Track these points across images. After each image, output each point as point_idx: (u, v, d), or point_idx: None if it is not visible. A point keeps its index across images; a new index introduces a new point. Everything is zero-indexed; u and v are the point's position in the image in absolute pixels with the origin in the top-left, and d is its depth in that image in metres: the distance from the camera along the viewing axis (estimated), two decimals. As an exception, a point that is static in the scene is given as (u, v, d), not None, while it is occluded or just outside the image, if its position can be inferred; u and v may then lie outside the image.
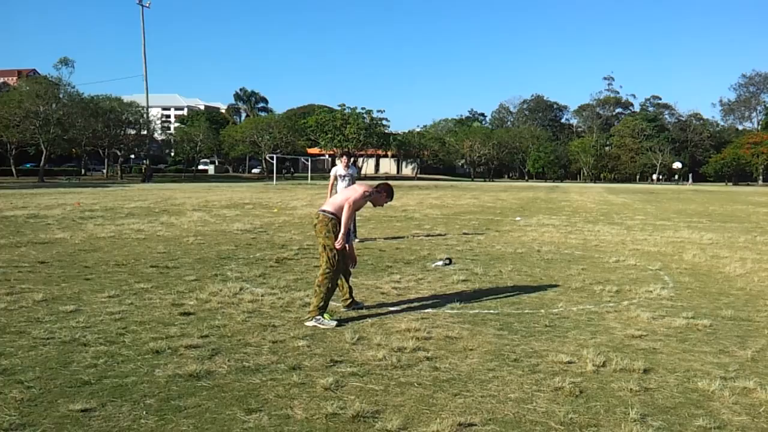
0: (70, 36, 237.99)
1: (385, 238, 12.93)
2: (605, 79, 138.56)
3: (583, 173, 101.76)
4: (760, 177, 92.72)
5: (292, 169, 79.18)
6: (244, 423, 3.64)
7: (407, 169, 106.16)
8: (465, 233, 14.13)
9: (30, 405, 3.84)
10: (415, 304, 6.80)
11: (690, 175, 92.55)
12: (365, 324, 5.89)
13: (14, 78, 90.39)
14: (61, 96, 55.81)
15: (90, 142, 61.30)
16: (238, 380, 4.32)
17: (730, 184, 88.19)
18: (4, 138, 53.52)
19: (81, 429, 3.53)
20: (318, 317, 5.79)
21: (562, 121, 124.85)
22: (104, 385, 4.21)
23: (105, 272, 8.43)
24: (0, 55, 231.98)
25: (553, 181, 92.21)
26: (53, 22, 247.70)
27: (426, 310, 6.48)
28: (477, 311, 6.48)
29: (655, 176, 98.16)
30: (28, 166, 64.21)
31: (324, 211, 6.07)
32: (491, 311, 6.49)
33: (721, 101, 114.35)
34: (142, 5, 61.78)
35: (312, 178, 68.62)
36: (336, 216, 6.00)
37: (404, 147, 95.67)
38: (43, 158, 55.59)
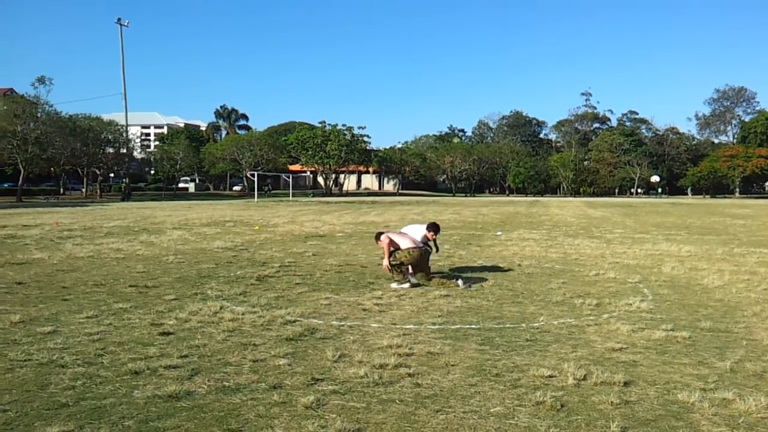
0: (48, 55, 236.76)
1: (366, 255, 12.89)
2: (583, 94, 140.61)
3: (563, 187, 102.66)
4: (737, 189, 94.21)
5: (269, 186, 78.84)
6: (224, 444, 3.60)
7: (389, 185, 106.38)
8: (446, 248, 14.17)
9: (7, 428, 3.77)
10: (397, 320, 6.79)
11: (659, 189, 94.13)
12: (347, 341, 5.87)
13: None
14: (39, 115, 55.35)
15: (69, 161, 60.70)
16: (218, 400, 4.28)
17: (708, 196, 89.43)
18: (-19, 158, 52.86)
19: (58, 453, 3.48)
20: None
21: (541, 136, 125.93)
22: (82, 407, 4.15)
23: (83, 292, 8.32)
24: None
25: (534, 196, 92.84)
26: (31, 41, 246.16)
27: (408, 326, 6.47)
28: (458, 326, 6.49)
29: (639, 190, 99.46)
30: (5, 185, 63.40)
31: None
32: (473, 326, 6.51)
33: (696, 115, 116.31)
34: (121, 24, 61.72)
35: (293, 195, 68.48)
36: None
37: (385, 163, 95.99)
38: (21, 177, 54.93)
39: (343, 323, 6.61)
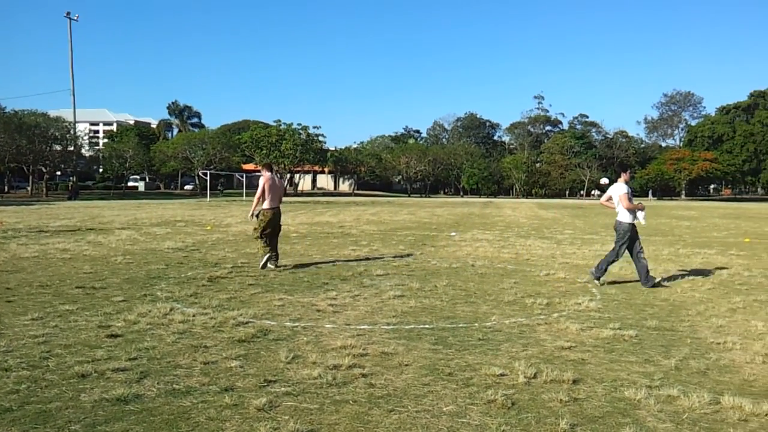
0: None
1: (321, 255, 12.84)
2: (536, 98, 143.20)
3: (516, 189, 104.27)
4: (683, 191, 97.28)
5: (222, 186, 77.82)
6: (174, 447, 3.54)
7: (344, 185, 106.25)
8: (401, 248, 14.23)
9: (-57, 436, 3.64)
10: (352, 320, 6.79)
11: (596, 192, 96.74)
12: (300, 342, 5.85)
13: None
14: (-19, 110, 53.28)
15: (13, 158, 58.65)
16: (167, 403, 4.20)
17: (654, 198, 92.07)
18: None
19: (-1, 460, 3.36)
20: None
21: (495, 138, 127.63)
22: (27, 411, 4.03)
23: (28, 294, 8.06)
24: None
25: (487, 197, 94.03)
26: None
27: (362, 327, 6.48)
28: (413, 326, 6.53)
29: (595, 192, 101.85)
30: (-57, 183, 60.83)
31: None
32: (426, 326, 6.55)
33: (645, 119, 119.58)
34: (70, 18, 60.02)
35: (247, 195, 67.70)
36: None
37: (341, 163, 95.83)
38: (-40, 175, 52.81)
39: (296, 324, 6.57)
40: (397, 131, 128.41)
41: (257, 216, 10.86)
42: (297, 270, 10.58)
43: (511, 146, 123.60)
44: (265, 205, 10.79)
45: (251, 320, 6.67)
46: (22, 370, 4.84)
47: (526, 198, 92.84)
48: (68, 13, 59.72)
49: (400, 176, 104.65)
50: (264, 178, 10.78)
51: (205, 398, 4.31)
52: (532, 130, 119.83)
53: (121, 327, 6.29)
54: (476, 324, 6.69)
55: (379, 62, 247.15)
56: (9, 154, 57.16)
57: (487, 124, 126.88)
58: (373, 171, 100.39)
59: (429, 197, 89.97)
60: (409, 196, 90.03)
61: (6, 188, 68.80)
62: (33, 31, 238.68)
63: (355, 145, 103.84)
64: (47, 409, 4.06)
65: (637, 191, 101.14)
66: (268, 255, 10.67)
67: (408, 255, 13.02)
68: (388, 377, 4.84)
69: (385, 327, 6.49)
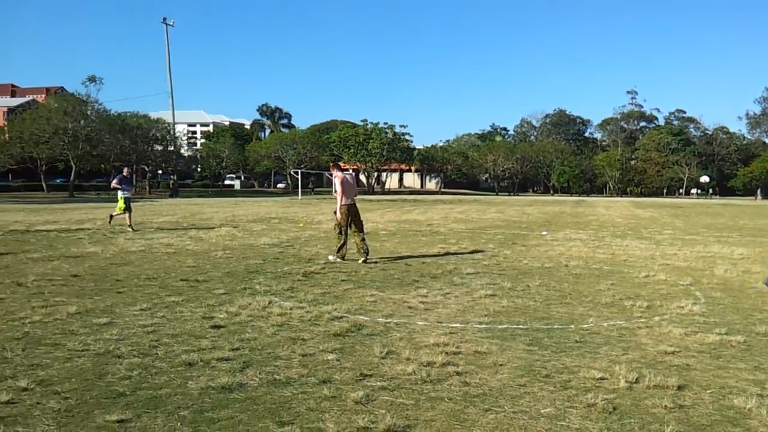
0: (97, 54, 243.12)
1: (413, 256, 12.90)
2: (629, 93, 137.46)
3: (609, 187, 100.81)
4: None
5: (311, 184, 79.52)
6: (277, 436, 3.67)
7: (431, 184, 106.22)
8: (491, 247, 14.08)
9: (67, 416, 3.91)
10: (443, 318, 6.79)
11: (709, 190, 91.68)
12: (393, 338, 5.90)
13: (43, 95, 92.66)
14: (88, 113, 56.94)
15: (118, 157, 62.35)
16: (269, 393, 4.36)
17: (761, 198, 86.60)
18: (35, 154, 54.76)
19: (117, 440, 3.59)
20: None
21: (586, 135, 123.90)
22: (139, 396, 4.27)
23: (136, 285, 8.56)
24: (29, 73, 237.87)
25: (579, 195, 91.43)
26: (81, 40, 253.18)
27: (454, 325, 6.47)
28: (506, 326, 6.45)
29: (694, 191, 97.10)
30: (58, 181, 65.42)
31: None
32: (520, 326, 6.46)
33: (747, 114, 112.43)
34: (166, 24, 63.02)
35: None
36: None
37: (427, 161, 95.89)
38: (72, 173, 56.66)
39: (389, 320, 6.64)
40: (483, 129, 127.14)
41: (336, 213, 11.39)
42: (387, 267, 10.68)
43: (603, 143, 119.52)
44: (342, 201, 11.31)
45: (345, 315, 6.80)
46: (134, 358, 5.14)
47: (620, 196, 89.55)
48: (164, 19, 62.83)
49: (487, 174, 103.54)
50: (338, 177, 11.38)
51: (304, 389, 4.43)
52: (625, 126, 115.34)
53: (224, 318, 6.57)
54: (572, 326, 6.53)
55: (466, 60, 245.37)
56: (114, 153, 60.79)
57: (578, 120, 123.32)
58: (460, 169, 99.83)
59: (517, 195, 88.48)
60: (496, 195, 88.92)
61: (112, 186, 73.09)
62: (134, 36, 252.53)
63: (441, 144, 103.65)
64: (158, 395, 4.29)
65: (739, 190, 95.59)
66: (365, 249, 11.24)
67: (498, 254, 12.86)
68: (483, 376, 4.81)
69: (478, 326, 6.44)
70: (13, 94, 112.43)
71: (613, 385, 4.64)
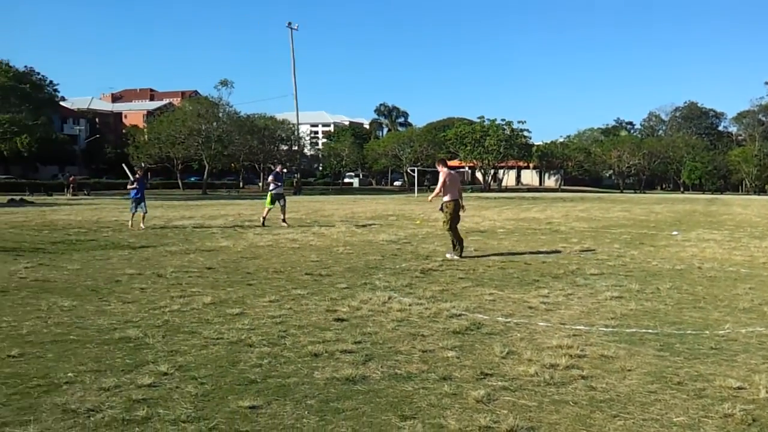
0: (228, 58, 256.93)
1: (530, 252, 12.63)
2: (767, 83, 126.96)
3: (745, 185, 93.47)
4: None
5: (427, 181, 79.72)
6: (399, 429, 3.73)
7: (550, 181, 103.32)
8: (616, 247, 13.50)
9: (203, 400, 4.17)
10: (566, 320, 6.61)
11: None
12: (514, 338, 5.82)
13: (178, 99, 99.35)
14: (220, 115, 60.48)
15: (247, 157, 65.87)
16: (391, 386, 4.44)
17: None
18: (171, 154, 58.87)
19: (249, 424, 3.78)
20: None
21: (720, 129, 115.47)
22: (269, 384, 4.49)
23: (265, 278, 9.00)
24: (165, 78, 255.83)
25: (712, 193, 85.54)
26: (213, 45, 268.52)
27: (578, 327, 6.28)
28: (634, 330, 6.17)
29: None
30: (192, 179, 69.98)
31: None
32: (650, 331, 6.16)
33: None
34: (291, 28, 65.46)
35: (453, 191, 68.66)
36: None
37: (547, 158, 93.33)
38: (205, 172, 60.46)
39: (509, 320, 6.55)
40: (607, 123, 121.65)
41: (442, 209, 11.51)
42: (506, 266, 10.53)
43: (739, 137, 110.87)
44: (447, 198, 11.44)
45: (464, 313, 6.79)
46: (264, 347, 5.41)
47: (758, 194, 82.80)
48: (289, 23, 65.27)
49: (611, 171, 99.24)
50: (444, 173, 11.44)
51: (425, 385, 4.48)
52: (763, 119, 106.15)
53: (346, 312, 6.77)
54: (707, 331, 6.14)
55: (587, 52, 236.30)
56: (243, 153, 64.18)
57: (711, 113, 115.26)
58: (581, 165, 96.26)
59: (644, 193, 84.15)
60: (621, 192, 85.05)
61: (241, 184, 77.29)
62: (261, 40, 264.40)
63: (561, 139, 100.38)
64: (286, 384, 4.49)
65: None
66: (460, 245, 11.40)
67: (624, 254, 12.30)
68: (610, 381, 4.63)
69: (603, 329, 6.21)
70: (151, 98, 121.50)
71: (752, 395, 4.33)
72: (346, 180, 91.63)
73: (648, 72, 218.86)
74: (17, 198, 38.07)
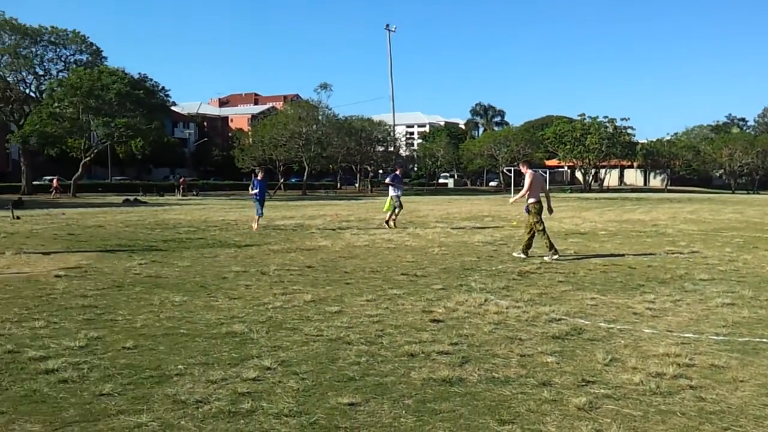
0: (327, 62, 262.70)
1: (634, 255, 12.14)
2: None
3: None
4: None
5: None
6: (497, 433, 3.71)
7: (655, 181, 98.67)
8: (727, 251, 12.73)
9: (304, 395, 4.31)
10: (674, 327, 6.31)
11: None
12: (617, 345, 5.63)
13: (281, 102, 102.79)
14: (320, 117, 62.04)
15: (344, 158, 67.22)
16: (488, 390, 4.41)
17: None
18: (274, 156, 60.91)
19: (348, 421, 3.87)
20: None
21: None
22: (366, 382, 4.58)
23: (362, 278, 9.17)
24: (269, 82, 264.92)
25: (840, 194, 78.78)
26: (313, 48, 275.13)
27: (686, 335, 5.98)
28: (747, 339, 5.81)
29: None
30: (293, 180, 72.18)
31: None
32: (764, 340, 5.78)
33: None
34: (389, 30, 66.14)
35: (550, 191, 67.08)
36: None
37: (652, 157, 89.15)
38: (305, 174, 62.20)
39: (612, 326, 6.34)
40: (717, 120, 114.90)
41: (528, 211, 11.50)
42: (609, 269, 10.18)
43: None
44: (532, 199, 11.39)
45: (564, 317, 6.63)
46: (362, 345, 5.52)
47: None
48: (387, 26, 66.01)
49: (722, 170, 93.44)
50: (528, 174, 11.43)
51: (523, 390, 4.42)
52: None
53: (442, 313, 6.78)
54: (834, 344, 5.68)
55: (696, 45, 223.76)
56: (341, 155, 65.51)
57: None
58: (689, 165, 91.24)
59: (757, 194, 78.72)
60: (733, 193, 79.97)
61: (338, 185, 78.92)
62: (359, 43, 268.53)
63: (668, 137, 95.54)
64: (383, 382, 4.56)
65: None
66: (528, 248, 11.52)
67: (737, 258, 11.58)
68: (720, 392, 4.39)
69: (714, 337, 5.89)
70: (255, 102, 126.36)
71: None
72: (441, 180, 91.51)
73: (762, 65, 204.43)
74: (132, 198, 40.67)
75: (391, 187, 18.20)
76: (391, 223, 18.07)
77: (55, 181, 48.29)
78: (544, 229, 11.38)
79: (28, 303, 7.22)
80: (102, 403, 4.11)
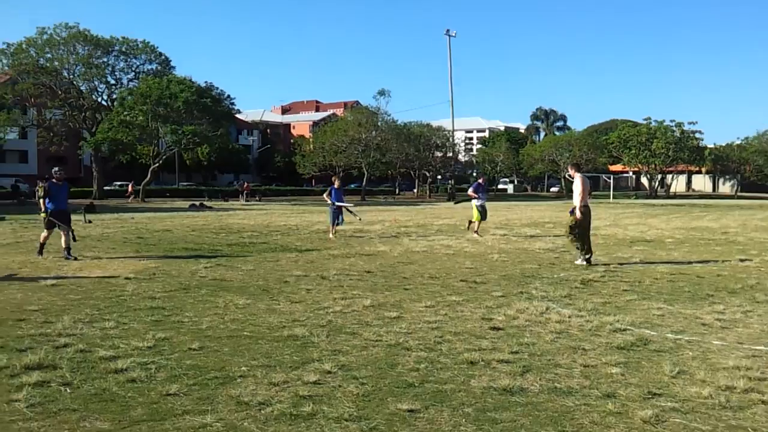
0: (387, 67, 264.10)
1: (703, 263, 11.70)
2: None
3: None
4: None
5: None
6: (558, 444, 3.65)
7: (725, 187, 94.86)
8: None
9: (364, 400, 4.34)
10: (745, 339, 6.06)
11: None
12: (685, 357, 5.45)
13: (341, 109, 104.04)
14: (379, 123, 62.43)
15: (403, 164, 67.33)
16: (550, 400, 4.34)
17: None
18: (334, 162, 61.65)
19: (408, 428, 3.88)
20: None
21: None
22: (426, 389, 4.58)
23: (421, 283, 9.17)
24: (330, 89, 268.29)
25: None
26: (371, 53, 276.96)
27: (758, 348, 5.74)
28: (827, 354, 5.53)
29: None
30: (352, 186, 72.79)
31: None
32: None
33: None
34: (449, 35, 65.88)
35: (614, 197, 65.43)
36: None
37: (721, 162, 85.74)
38: (364, 179, 62.67)
39: (679, 337, 6.14)
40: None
41: (573, 213, 11.39)
42: (676, 278, 9.86)
43: None
44: (583, 202, 11.32)
45: (629, 328, 6.45)
46: (421, 351, 5.52)
47: None
48: (447, 31, 65.68)
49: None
50: (579, 177, 11.41)
51: (587, 401, 4.33)
52: None
53: (502, 321, 6.71)
54: None
55: (765, 44, 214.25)
56: (399, 161, 65.70)
57: None
58: (761, 170, 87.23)
59: (840, 201, 74.54)
60: (811, 200, 76.05)
61: (397, 190, 79.14)
62: (419, 47, 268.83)
63: (738, 141, 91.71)
64: (443, 389, 4.55)
65: None
66: (587, 253, 11.37)
67: (816, 269, 11.01)
68: (798, 409, 4.20)
69: (789, 351, 5.63)
70: (317, 109, 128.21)
71: None
72: (501, 186, 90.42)
73: None
74: (197, 203, 41.82)
75: (474, 199, 17.47)
76: (477, 231, 17.41)
77: (130, 186, 51.20)
78: (583, 234, 11.34)
79: (99, 304, 7.53)
80: (168, 402, 4.25)
